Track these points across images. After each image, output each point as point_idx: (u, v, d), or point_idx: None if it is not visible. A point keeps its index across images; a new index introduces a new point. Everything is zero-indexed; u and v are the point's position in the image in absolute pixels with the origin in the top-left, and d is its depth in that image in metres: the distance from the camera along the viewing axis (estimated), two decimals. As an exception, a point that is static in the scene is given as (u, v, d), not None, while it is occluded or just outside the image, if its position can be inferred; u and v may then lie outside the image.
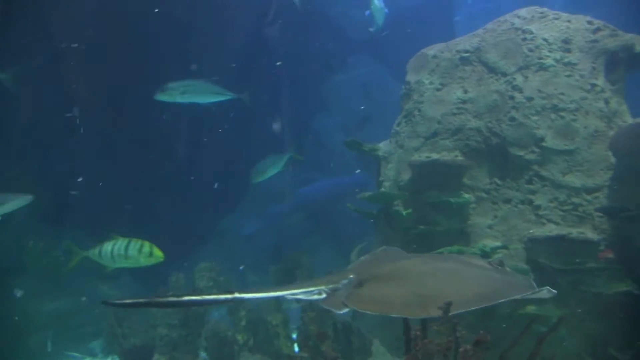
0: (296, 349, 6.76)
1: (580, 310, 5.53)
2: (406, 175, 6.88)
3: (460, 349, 2.69)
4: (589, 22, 6.58)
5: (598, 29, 6.50)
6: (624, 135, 5.86)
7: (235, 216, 12.58)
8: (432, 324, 2.90)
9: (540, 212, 6.09)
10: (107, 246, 6.35)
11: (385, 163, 7.31)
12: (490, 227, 6.34)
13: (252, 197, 11.99)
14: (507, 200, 6.34)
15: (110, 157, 9.79)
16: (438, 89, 7.01)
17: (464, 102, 6.78)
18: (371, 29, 9.28)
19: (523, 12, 6.91)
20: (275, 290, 3.37)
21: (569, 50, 6.45)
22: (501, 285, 3.04)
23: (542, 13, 6.81)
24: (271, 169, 9.15)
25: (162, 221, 10.10)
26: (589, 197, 5.98)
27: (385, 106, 9.50)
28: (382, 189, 7.12)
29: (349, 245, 8.47)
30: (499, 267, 3.29)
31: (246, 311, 7.36)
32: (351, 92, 13.76)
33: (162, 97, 7.95)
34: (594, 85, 6.31)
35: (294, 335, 6.99)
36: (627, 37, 6.41)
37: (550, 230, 5.93)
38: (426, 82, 7.12)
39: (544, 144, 6.16)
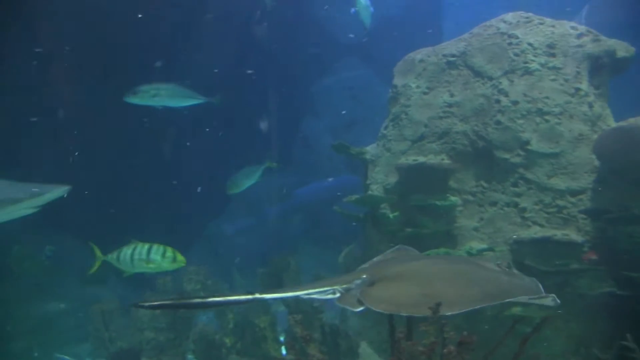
0: (284, 351, 6.76)
1: (560, 312, 5.59)
2: (393, 178, 6.93)
3: (444, 350, 2.73)
4: (573, 28, 6.69)
5: (582, 34, 6.60)
6: (608, 138, 5.94)
7: (222, 220, 12.56)
8: (420, 324, 2.94)
9: (526, 215, 6.17)
10: (127, 250, 6.24)
11: (373, 166, 7.35)
12: (476, 229, 6.40)
13: (242, 199, 11.96)
14: (493, 203, 6.40)
15: (95, 162, 9.70)
16: (425, 93, 7.07)
17: (450, 105, 6.84)
18: (365, 28, 9.25)
19: (509, 16, 7.00)
20: (292, 291, 3.46)
21: (553, 55, 6.54)
22: (508, 286, 3.11)
23: (527, 18, 6.90)
24: (246, 181, 9.18)
25: (149, 225, 10.03)
26: (573, 200, 6.06)
27: (373, 109, 9.53)
28: (370, 192, 7.15)
29: (337, 248, 8.47)
30: (507, 270, 3.34)
31: (234, 314, 7.36)
32: (339, 95, 13.80)
33: (133, 99, 7.87)
34: (578, 89, 6.40)
35: (282, 338, 7.00)
36: (610, 43, 6.53)
37: (536, 232, 6.01)
38: (413, 85, 7.18)
39: (529, 147, 6.24)
